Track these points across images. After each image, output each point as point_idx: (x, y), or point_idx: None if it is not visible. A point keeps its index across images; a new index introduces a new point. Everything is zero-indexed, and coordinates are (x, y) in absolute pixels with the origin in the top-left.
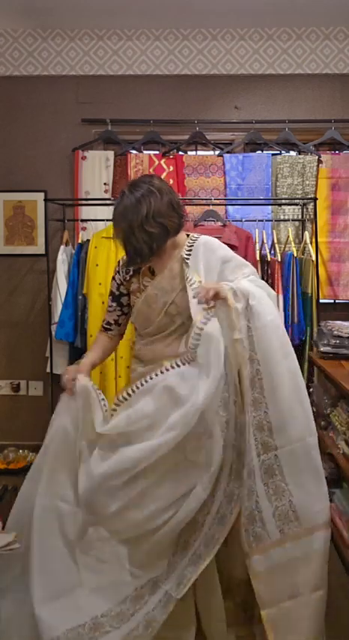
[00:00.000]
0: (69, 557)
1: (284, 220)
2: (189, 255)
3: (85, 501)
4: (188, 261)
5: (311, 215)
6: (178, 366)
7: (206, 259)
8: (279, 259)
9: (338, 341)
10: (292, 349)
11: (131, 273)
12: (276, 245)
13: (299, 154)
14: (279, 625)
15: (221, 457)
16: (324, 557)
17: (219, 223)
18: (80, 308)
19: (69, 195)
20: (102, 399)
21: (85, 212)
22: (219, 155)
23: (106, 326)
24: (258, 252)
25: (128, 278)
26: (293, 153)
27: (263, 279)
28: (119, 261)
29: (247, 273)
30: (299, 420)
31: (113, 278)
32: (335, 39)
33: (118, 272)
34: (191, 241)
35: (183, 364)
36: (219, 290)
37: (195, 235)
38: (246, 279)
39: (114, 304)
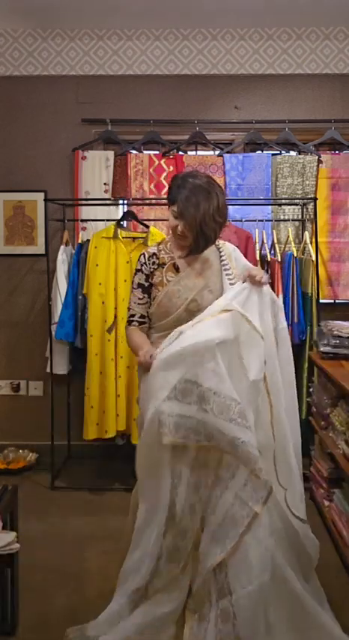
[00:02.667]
0: None
1: (284, 220)
2: (223, 256)
3: None
4: (224, 260)
5: (311, 215)
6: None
7: (237, 263)
8: (279, 259)
9: (338, 341)
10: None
11: (156, 266)
12: (276, 245)
13: (299, 154)
14: None
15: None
16: None
17: None
18: (80, 308)
19: (69, 195)
20: None
21: (85, 212)
22: (219, 155)
23: (140, 320)
24: (257, 252)
25: (152, 270)
26: (293, 153)
27: None
28: (144, 254)
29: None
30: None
31: (139, 271)
32: (335, 39)
33: (145, 264)
34: (220, 244)
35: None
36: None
37: (220, 241)
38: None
39: (145, 296)
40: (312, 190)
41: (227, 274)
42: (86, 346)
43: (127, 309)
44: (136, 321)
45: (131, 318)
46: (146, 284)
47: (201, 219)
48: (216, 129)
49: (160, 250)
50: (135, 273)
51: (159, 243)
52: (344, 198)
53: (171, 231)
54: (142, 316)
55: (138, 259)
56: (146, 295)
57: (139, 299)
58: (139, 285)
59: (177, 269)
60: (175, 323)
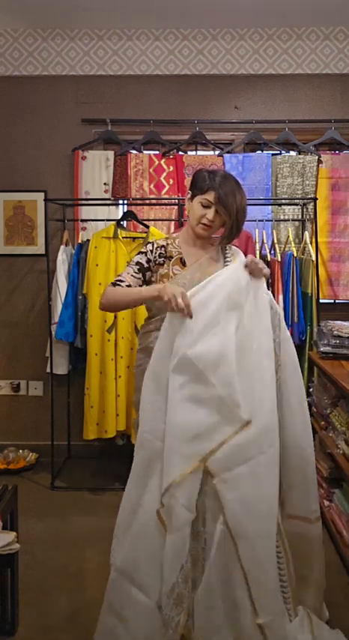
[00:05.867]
0: None
1: (284, 220)
2: (228, 254)
3: None
4: (228, 259)
5: (311, 215)
6: None
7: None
8: (279, 259)
9: (338, 341)
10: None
11: (162, 258)
12: (276, 245)
13: (299, 154)
14: None
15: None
16: None
17: None
18: (80, 308)
19: (69, 195)
20: None
21: (85, 212)
22: (219, 155)
23: (124, 285)
24: (258, 252)
25: (160, 261)
26: (293, 153)
27: None
28: (153, 243)
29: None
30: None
31: (143, 253)
32: (335, 39)
33: (151, 251)
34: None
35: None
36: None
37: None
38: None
39: (140, 274)
40: (312, 190)
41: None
42: (86, 346)
43: (117, 276)
44: (117, 283)
45: (118, 283)
46: (146, 265)
47: (238, 207)
48: (216, 129)
49: (169, 244)
50: (138, 254)
51: (167, 238)
52: (344, 198)
53: (190, 222)
54: (129, 286)
55: (146, 245)
56: (141, 274)
57: (134, 273)
58: (138, 263)
59: (183, 263)
60: None
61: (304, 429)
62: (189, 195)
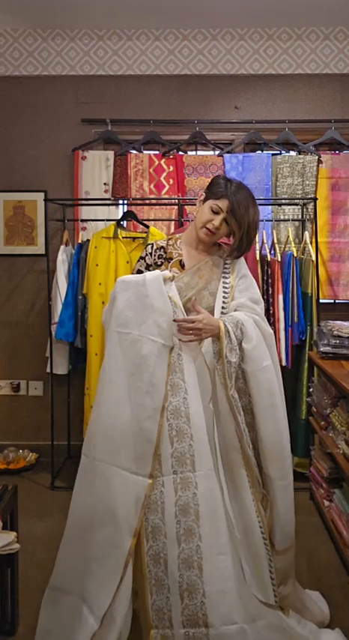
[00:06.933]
0: None
1: (284, 220)
2: (227, 263)
3: None
4: (226, 267)
5: (311, 215)
6: None
7: (237, 272)
8: (279, 259)
9: (338, 341)
10: (280, 400)
11: (162, 260)
12: (276, 245)
13: (299, 154)
14: None
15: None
16: None
17: None
18: (80, 308)
19: (69, 195)
20: None
21: (85, 212)
22: (219, 155)
23: None
24: (257, 252)
25: (159, 263)
26: (293, 153)
27: (263, 279)
28: (152, 244)
29: (253, 295)
30: (277, 464)
31: (142, 259)
32: (335, 39)
33: (150, 254)
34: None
35: None
36: (206, 330)
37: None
38: (250, 319)
39: None
40: (312, 190)
41: (224, 282)
42: (86, 346)
43: None
44: None
45: None
46: (146, 272)
47: (250, 222)
48: (216, 129)
49: (169, 245)
50: (138, 260)
51: (169, 239)
52: (344, 198)
53: (195, 224)
54: None
55: (145, 248)
56: None
57: None
58: (138, 271)
59: (183, 266)
60: None
61: (282, 465)
62: (202, 197)
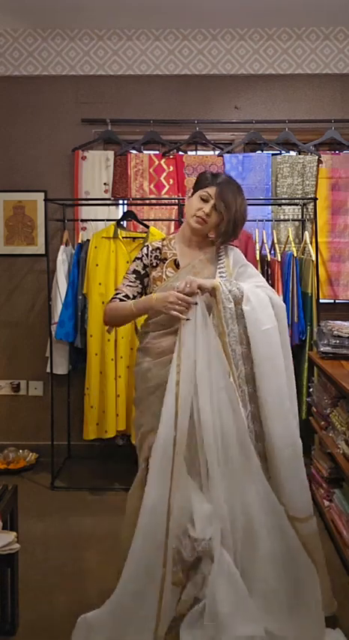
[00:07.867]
0: None
1: (284, 220)
2: (222, 256)
3: None
4: (221, 261)
5: (311, 215)
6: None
7: (234, 263)
8: (279, 259)
9: (338, 341)
10: (283, 365)
11: (158, 260)
12: (276, 245)
13: (299, 154)
14: None
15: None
16: None
17: None
18: (80, 308)
19: (69, 195)
20: None
21: (85, 212)
22: (219, 155)
23: (123, 298)
24: (257, 252)
25: (154, 264)
26: (293, 153)
27: None
28: (148, 246)
29: (259, 281)
30: (282, 431)
31: (139, 259)
32: (335, 39)
33: (146, 255)
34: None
35: None
36: (203, 284)
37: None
38: (253, 285)
39: (137, 282)
40: (312, 190)
41: (220, 276)
42: (86, 346)
43: (114, 290)
44: (119, 298)
45: (115, 296)
46: (142, 272)
47: (237, 208)
48: (216, 129)
49: (164, 246)
50: (134, 261)
51: (163, 239)
52: (344, 198)
53: (186, 218)
54: (126, 295)
55: (141, 249)
56: (138, 282)
57: (131, 282)
58: (135, 271)
59: (177, 265)
60: (170, 320)
61: (285, 427)
62: (190, 194)
